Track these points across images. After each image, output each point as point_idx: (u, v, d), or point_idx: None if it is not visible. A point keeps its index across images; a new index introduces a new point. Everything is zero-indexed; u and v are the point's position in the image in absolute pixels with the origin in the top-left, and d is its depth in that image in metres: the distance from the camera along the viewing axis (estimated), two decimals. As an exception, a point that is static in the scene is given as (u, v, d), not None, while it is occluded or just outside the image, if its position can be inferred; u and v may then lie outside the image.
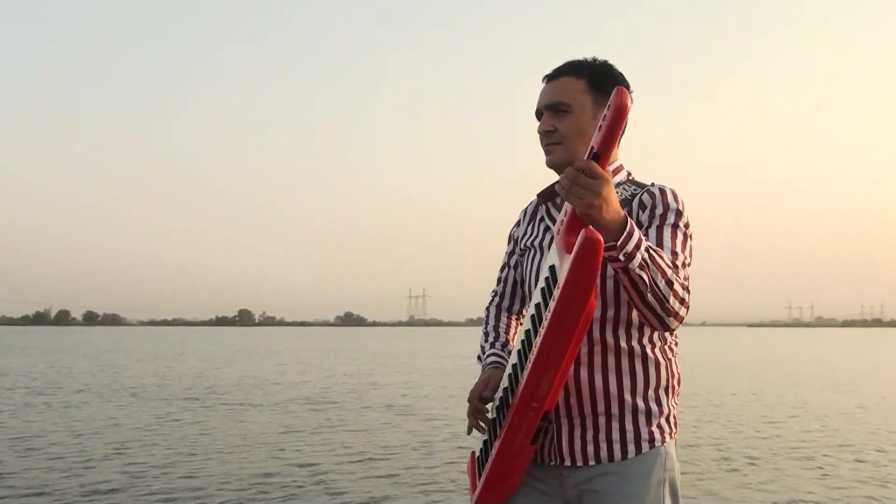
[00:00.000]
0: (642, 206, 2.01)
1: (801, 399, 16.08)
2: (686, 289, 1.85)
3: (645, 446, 1.99)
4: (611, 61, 2.15)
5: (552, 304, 1.76)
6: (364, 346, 52.47)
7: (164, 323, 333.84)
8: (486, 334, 2.33)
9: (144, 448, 9.45)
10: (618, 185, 2.07)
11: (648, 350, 2.02)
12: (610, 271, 1.93)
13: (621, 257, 1.72)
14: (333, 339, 73.94)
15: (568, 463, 2.01)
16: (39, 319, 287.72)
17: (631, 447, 1.99)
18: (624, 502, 1.97)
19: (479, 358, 2.29)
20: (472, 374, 23.16)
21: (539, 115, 2.11)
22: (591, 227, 1.71)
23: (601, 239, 1.66)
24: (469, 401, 2.12)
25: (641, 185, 2.07)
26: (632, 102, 1.98)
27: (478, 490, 2.04)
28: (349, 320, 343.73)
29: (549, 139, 2.07)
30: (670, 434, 2.05)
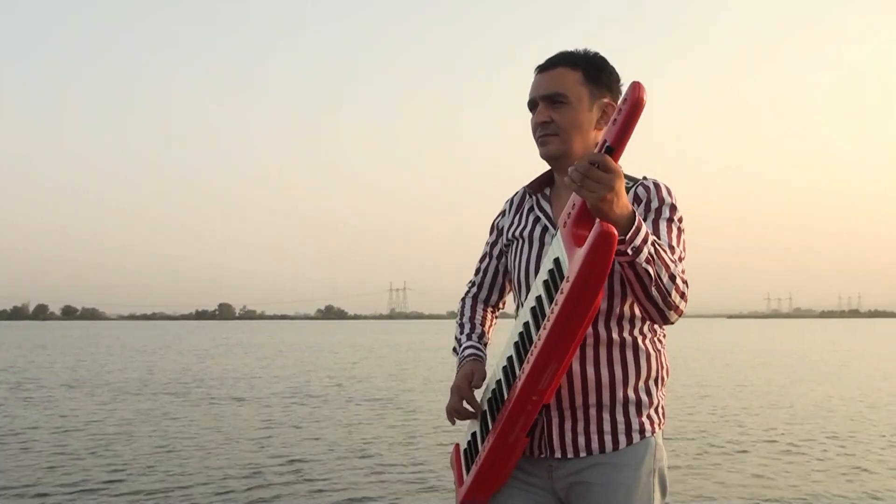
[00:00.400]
0: (637, 200, 2.01)
1: (782, 390, 16.20)
2: (686, 282, 1.87)
3: (636, 437, 2.00)
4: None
5: (560, 297, 1.74)
6: (345, 340, 52.38)
7: (144, 317, 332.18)
8: (462, 326, 2.31)
9: (128, 443, 9.39)
10: None
11: (640, 341, 2.02)
12: None
13: (629, 251, 1.73)
14: (315, 333, 73.71)
15: (558, 455, 2.01)
16: (17, 314, 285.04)
17: (622, 438, 1.99)
18: (615, 493, 1.97)
19: (454, 350, 2.27)
20: (454, 366, 23.19)
21: (532, 106, 2.09)
22: (591, 220, 1.71)
23: (616, 233, 1.66)
24: (452, 406, 2.09)
25: (634, 180, 2.06)
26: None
27: (467, 483, 2.02)
28: (330, 313, 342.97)
29: (545, 130, 2.05)
30: (659, 425, 2.06)
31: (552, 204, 2.13)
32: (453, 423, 2.14)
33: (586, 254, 1.67)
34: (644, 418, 2.02)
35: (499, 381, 1.99)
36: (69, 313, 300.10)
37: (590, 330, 1.96)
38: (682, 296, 1.85)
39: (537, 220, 2.12)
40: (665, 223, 1.98)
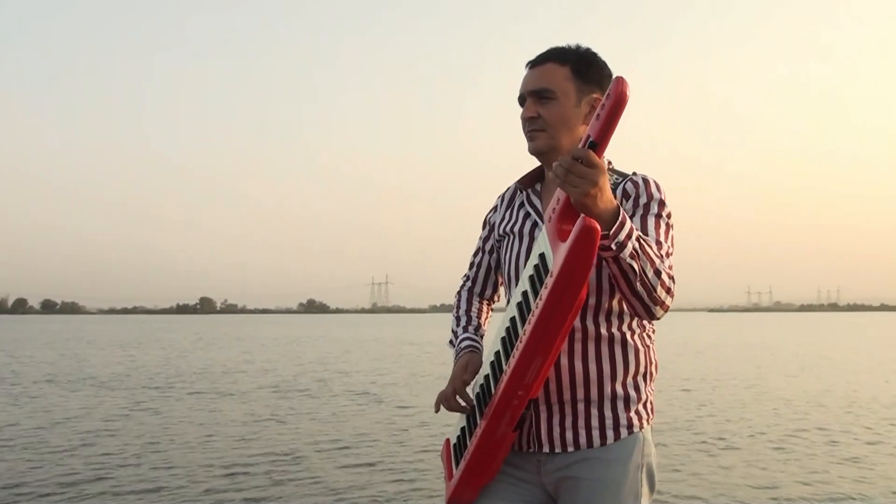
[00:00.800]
0: (626, 195, 2.01)
1: (766, 383, 16.31)
2: (672, 278, 1.87)
3: (623, 432, 2.01)
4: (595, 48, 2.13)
5: (544, 292, 1.75)
6: (328, 333, 52.34)
7: (124, 311, 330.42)
8: (458, 318, 2.32)
9: (111, 439, 9.30)
10: None
11: (628, 337, 2.03)
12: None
13: (613, 247, 1.73)
14: (297, 327, 73.63)
15: (546, 450, 2.02)
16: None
17: (610, 433, 2.00)
18: (602, 487, 1.98)
19: (450, 343, 2.28)
20: (438, 361, 23.29)
21: (522, 101, 2.09)
22: (576, 215, 1.72)
23: (598, 228, 1.65)
24: (448, 397, 2.09)
25: (623, 175, 2.07)
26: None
27: (455, 478, 2.04)
28: (312, 307, 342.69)
29: (533, 125, 2.06)
30: (647, 420, 2.06)
31: (543, 199, 2.13)
32: (437, 410, 2.14)
33: (569, 249, 1.67)
34: (632, 413, 2.02)
35: (486, 376, 2.00)
36: (48, 307, 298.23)
37: (578, 325, 1.98)
38: (668, 291, 1.85)
39: (528, 215, 2.13)
40: (653, 219, 1.98)
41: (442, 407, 2.13)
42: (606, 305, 2.00)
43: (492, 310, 2.41)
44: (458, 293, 2.40)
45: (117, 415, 11.46)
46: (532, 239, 2.07)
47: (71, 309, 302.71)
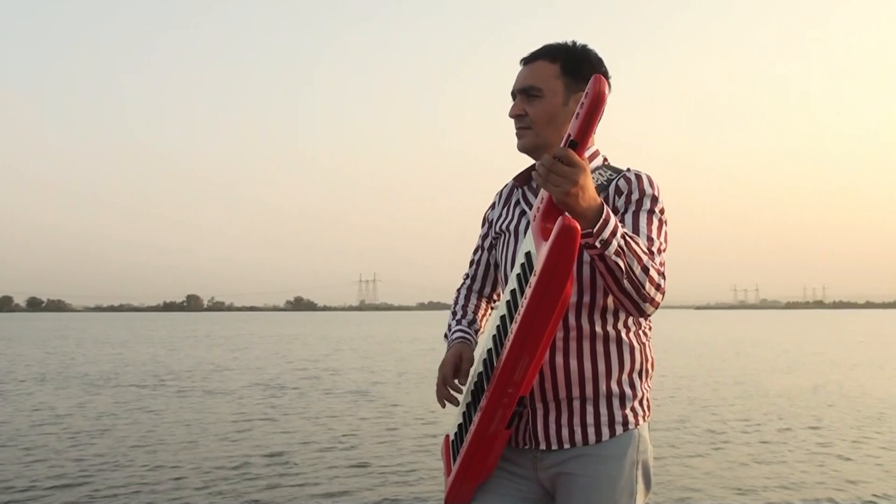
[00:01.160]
0: (618, 191, 2.01)
1: (755, 380, 16.36)
2: (662, 275, 1.87)
3: (619, 429, 2.02)
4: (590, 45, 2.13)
5: (528, 291, 1.76)
6: (316, 331, 52.22)
7: (111, 309, 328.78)
8: (454, 313, 2.34)
9: (101, 438, 9.29)
10: (594, 170, 2.07)
11: (623, 335, 2.03)
12: (586, 257, 1.95)
13: (597, 244, 1.73)
14: (285, 324, 73.45)
15: (543, 446, 2.03)
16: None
17: (605, 430, 2.01)
18: (598, 484, 1.99)
19: (445, 336, 2.30)
20: (428, 358, 23.29)
21: (514, 98, 2.12)
22: (567, 214, 1.72)
23: (578, 227, 1.66)
24: (440, 384, 2.12)
25: (617, 171, 2.07)
26: (610, 89, 2.02)
27: (452, 474, 2.05)
28: (299, 305, 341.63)
29: (520, 123, 2.08)
30: (643, 417, 2.07)
31: (538, 196, 2.12)
32: (443, 405, 2.15)
33: (549, 248, 1.68)
34: (628, 411, 2.03)
35: (480, 374, 2.02)
36: (35, 305, 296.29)
37: (573, 323, 1.99)
38: (658, 288, 1.85)
39: (523, 213, 2.13)
40: (645, 215, 1.98)
41: (447, 402, 2.14)
42: (601, 303, 2.00)
43: (492, 307, 2.40)
44: (458, 290, 2.40)
45: (107, 413, 11.44)
46: (526, 237, 2.05)
47: (57, 307, 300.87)
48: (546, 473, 2.05)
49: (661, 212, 2.02)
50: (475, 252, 2.37)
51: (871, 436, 9.40)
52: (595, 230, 1.72)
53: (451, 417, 2.20)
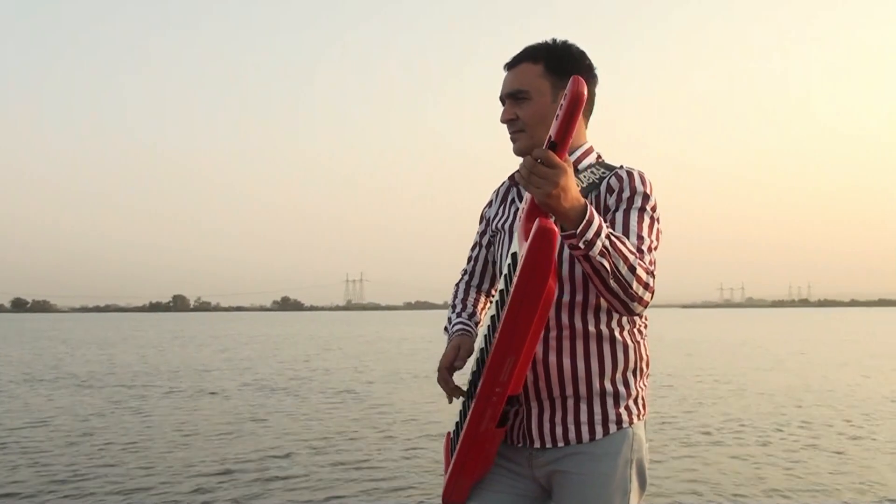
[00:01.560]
0: (610, 189, 2.02)
1: (745, 379, 16.42)
2: (650, 273, 1.87)
3: (612, 427, 2.03)
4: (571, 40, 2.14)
5: (511, 292, 1.78)
6: (304, 331, 52.09)
7: (97, 309, 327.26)
8: (453, 307, 2.36)
9: (92, 439, 9.26)
10: (587, 167, 2.09)
11: (617, 333, 2.04)
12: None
13: (581, 245, 1.74)
14: (272, 324, 73.24)
15: (537, 444, 2.05)
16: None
17: (598, 429, 2.02)
18: (591, 482, 2.01)
19: (445, 330, 2.32)
20: (417, 358, 23.31)
21: (503, 104, 2.13)
22: (546, 215, 1.75)
23: (555, 228, 1.67)
24: (438, 370, 2.16)
25: (610, 168, 2.07)
26: (596, 81, 2.12)
27: (448, 473, 2.08)
28: (286, 305, 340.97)
29: (513, 127, 2.09)
30: (638, 416, 2.08)
31: (523, 200, 2.14)
32: (449, 400, 2.17)
33: (527, 249, 1.69)
34: (622, 409, 2.04)
35: (474, 373, 2.03)
36: (19, 305, 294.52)
37: (566, 322, 2.00)
38: (646, 287, 1.86)
39: (517, 211, 2.13)
40: (636, 213, 1.98)
41: (452, 398, 2.17)
42: (594, 302, 2.00)
43: (491, 302, 2.39)
44: (457, 285, 2.42)
45: (96, 415, 11.39)
46: None
47: (42, 307, 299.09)
48: (541, 471, 2.07)
49: (653, 210, 2.01)
50: (473, 248, 2.39)
51: (863, 435, 9.45)
52: (578, 231, 1.73)
53: (444, 416, 2.27)
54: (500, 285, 1.95)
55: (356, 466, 7.67)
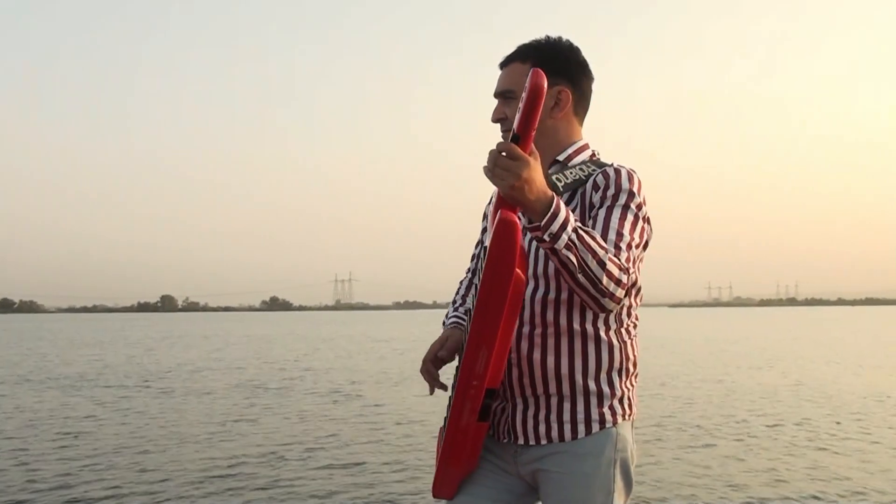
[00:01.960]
0: (596, 186, 2.01)
1: (736, 378, 16.50)
2: (624, 270, 1.84)
3: (595, 427, 2.02)
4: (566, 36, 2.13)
5: (479, 284, 1.81)
6: (293, 331, 52.01)
7: (84, 310, 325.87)
8: (453, 302, 2.38)
9: (81, 441, 9.23)
10: (578, 164, 2.09)
11: (602, 333, 2.02)
12: None
13: (546, 238, 1.74)
14: (261, 324, 73.08)
15: (521, 441, 2.06)
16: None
17: (581, 428, 2.01)
18: (573, 481, 2.00)
19: (443, 323, 2.32)
20: (407, 358, 23.31)
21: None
22: (508, 207, 1.75)
23: (515, 220, 1.69)
24: (423, 361, 2.17)
25: (601, 166, 2.06)
26: (590, 79, 2.12)
27: (436, 466, 2.10)
28: (275, 305, 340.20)
29: (503, 127, 2.10)
30: (624, 416, 2.06)
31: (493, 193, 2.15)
32: (431, 392, 2.21)
33: (490, 242, 1.71)
34: (605, 409, 2.03)
35: (458, 367, 2.03)
36: (6, 306, 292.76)
37: (551, 319, 2.00)
38: (618, 283, 1.82)
39: None
40: (619, 210, 1.97)
41: (438, 391, 2.19)
42: (579, 300, 1.97)
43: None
44: (460, 282, 2.44)
45: (87, 415, 11.36)
46: None
47: (30, 308, 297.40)
48: (526, 468, 2.08)
49: (638, 208, 2.00)
50: (476, 246, 2.39)
51: (855, 431, 9.53)
52: (542, 223, 1.73)
53: (435, 416, 2.27)
54: (477, 279, 1.97)
55: (349, 466, 7.67)
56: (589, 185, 2.03)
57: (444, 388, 2.13)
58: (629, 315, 2.07)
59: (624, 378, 2.07)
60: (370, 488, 6.80)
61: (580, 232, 1.77)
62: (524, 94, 1.67)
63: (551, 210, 1.73)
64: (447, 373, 2.09)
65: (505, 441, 2.09)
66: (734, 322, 67.80)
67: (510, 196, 1.71)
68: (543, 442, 2.03)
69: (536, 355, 2.01)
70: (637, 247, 1.96)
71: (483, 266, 1.76)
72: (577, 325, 2.00)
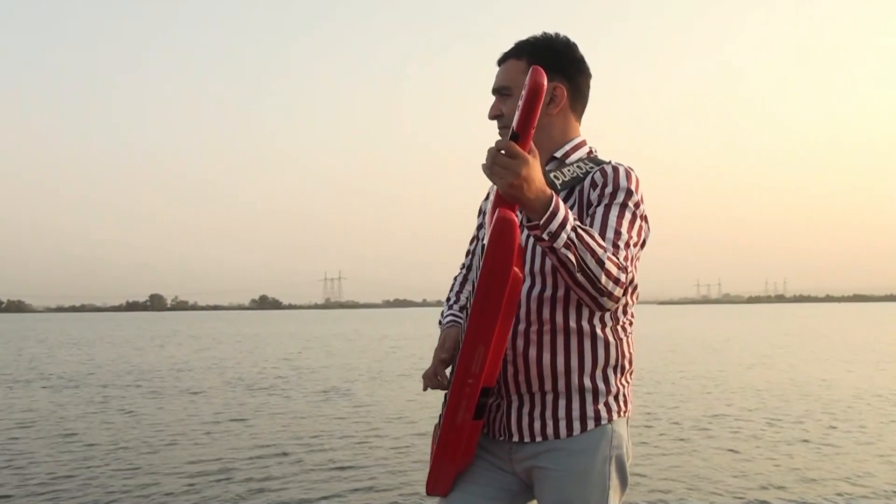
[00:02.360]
0: (594, 184, 2.01)
1: (729, 375, 16.55)
2: (622, 268, 1.84)
3: (590, 424, 2.02)
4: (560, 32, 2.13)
5: (477, 282, 1.80)
6: (283, 330, 51.92)
7: (73, 309, 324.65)
8: (447, 300, 2.37)
9: (74, 440, 9.19)
10: (576, 161, 2.09)
11: (598, 330, 2.02)
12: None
13: (545, 236, 1.74)
14: (251, 323, 72.94)
15: (516, 439, 2.05)
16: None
17: (576, 425, 2.01)
18: (568, 478, 2.00)
19: (439, 322, 2.32)
20: (399, 355, 23.31)
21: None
22: (506, 205, 1.75)
23: (513, 217, 1.69)
24: (429, 371, 2.16)
25: (599, 163, 2.06)
26: (587, 76, 2.13)
27: (430, 464, 2.10)
28: (264, 304, 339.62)
29: (500, 124, 2.10)
30: (619, 413, 2.06)
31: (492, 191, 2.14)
32: (424, 388, 2.20)
33: (488, 240, 1.71)
34: (600, 406, 2.03)
35: (453, 364, 2.03)
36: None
37: (547, 317, 2.00)
38: (617, 282, 1.83)
39: None
40: (617, 208, 1.97)
41: (430, 387, 2.19)
42: (575, 298, 1.98)
43: None
44: (454, 278, 2.43)
45: (79, 416, 11.30)
46: None
47: (17, 307, 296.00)
48: (521, 466, 2.07)
49: (636, 206, 2.00)
50: (471, 242, 2.38)
51: (849, 428, 9.56)
52: (542, 222, 1.72)
53: (428, 414, 2.27)
54: (471, 275, 1.97)
55: (342, 465, 7.65)
56: (587, 182, 2.02)
57: (444, 387, 2.13)
58: (625, 312, 2.07)
59: (619, 375, 2.07)
60: (363, 487, 6.78)
61: (579, 231, 1.77)
62: (523, 92, 1.66)
63: (550, 208, 1.73)
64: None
65: (500, 439, 2.09)
66: (723, 319, 68.00)
67: (509, 194, 1.71)
68: (539, 439, 2.03)
69: (532, 352, 2.00)
70: (635, 245, 1.96)
71: (481, 263, 1.76)
72: (573, 323, 2.00)
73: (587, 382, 2.02)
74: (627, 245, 1.93)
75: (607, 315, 2.04)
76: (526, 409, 2.04)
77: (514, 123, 1.69)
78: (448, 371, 2.17)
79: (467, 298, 2.34)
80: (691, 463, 7.63)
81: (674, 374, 16.52)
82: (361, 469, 7.48)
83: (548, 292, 1.99)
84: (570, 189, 2.04)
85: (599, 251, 1.79)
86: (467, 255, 2.41)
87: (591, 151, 2.14)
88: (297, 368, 19.47)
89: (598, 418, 2.03)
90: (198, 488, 6.79)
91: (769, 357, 21.59)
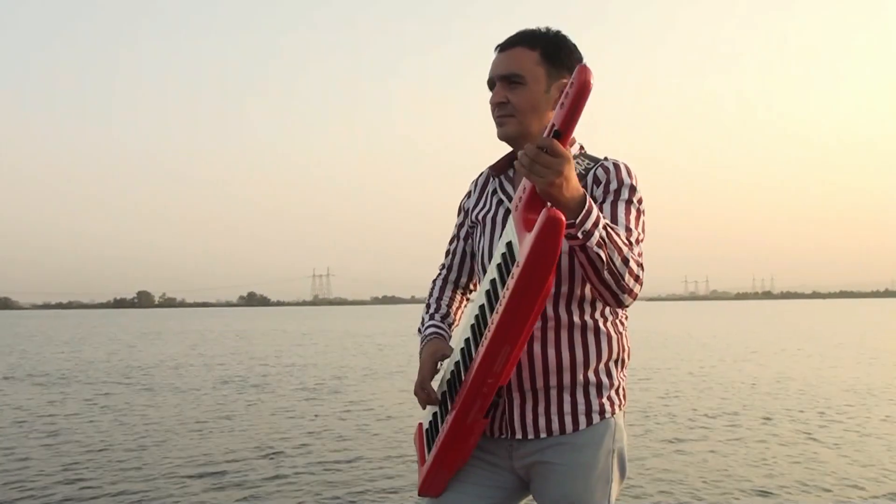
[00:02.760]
0: (597, 181, 2.01)
1: (720, 371, 16.58)
2: (640, 266, 1.87)
3: (595, 418, 2.02)
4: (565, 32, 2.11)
5: (511, 282, 1.75)
6: (273, 327, 51.70)
7: (60, 306, 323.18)
8: (428, 306, 2.32)
9: (65, 437, 9.17)
10: (574, 158, 2.04)
11: (601, 324, 2.04)
12: (564, 247, 1.91)
13: (580, 235, 1.73)
14: (239, 320, 72.66)
15: (519, 436, 2.04)
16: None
17: (582, 419, 2.02)
18: (573, 472, 2.00)
19: (418, 331, 2.28)
20: (388, 352, 23.32)
21: (491, 85, 2.07)
22: (540, 204, 1.73)
23: (563, 219, 1.65)
24: (421, 382, 2.10)
25: (595, 160, 2.06)
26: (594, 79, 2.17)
27: (428, 462, 2.06)
28: (253, 300, 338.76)
29: (502, 111, 2.04)
30: (619, 406, 2.08)
31: (515, 185, 2.11)
32: (423, 407, 2.15)
33: (534, 239, 1.67)
34: (604, 399, 2.04)
35: (457, 363, 2.01)
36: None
37: (550, 313, 1.99)
38: (637, 279, 1.85)
39: (500, 202, 2.12)
40: (623, 205, 1.98)
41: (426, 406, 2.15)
42: (579, 293, 2.00)
43: (468, 299, 2.37)
44: (433, 281, 2.37)
45: (70, 413, 11.26)
46: (505, 227, 2.04)
47: (3, 304, 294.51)
48: (521, 462, 2.06)
49: (640, 202, 2.01)
50: (451, 242, 2.34)
51: (840, 423, 9.60)
52: (578, 221, 1.71)
53: (420, 411, 2.26)
54: (492, 275, 1.92)
55: (331, 462, 7.65)
56: (589, 178, 2.01)
57: (437, 402, 2.09)
58: (628, 307, 2.05)
59: (620, 368, 2.10)
60: (353, 485, 6.78)
61: (609, 229, 1.78)
62: (569, 90, 1.63)
63: (585, 207, 1.72)
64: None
65: (501, 437, 2.07)
66: (711, 315, 68.23)
67: (547, 192, 1.69)
68: (543, 435, 2.02)
69: (537, 348, 2.00)
70: (642, 241, 1.98)
71: (521, 262, 1.71)
72: (576, 318, 2.01)
73: (592, 377, 2.03)
74: (638, 241, 1.95)
75: (607, 309, 2.05)
76: (529, 406, 2.03)
77: (558, 121, 1.66)
78: (435, 383, 2.13)
79: (448, 305, 2.30)
80: (685, 459, 7.64)
81: (663, 370, 16.51)
82: (351, 466, 7.49)
83: (551, 289, 1.96)
84: None
85: (625, 249, 1.81)
86: (447, 255, 2.36)
87: (581, 147, 2.12)
88: (288, 365, 19.41)
89: (602, 412, 2.03)
90: (188, 484, 6.78)
91: (756, 353, 21.65)
